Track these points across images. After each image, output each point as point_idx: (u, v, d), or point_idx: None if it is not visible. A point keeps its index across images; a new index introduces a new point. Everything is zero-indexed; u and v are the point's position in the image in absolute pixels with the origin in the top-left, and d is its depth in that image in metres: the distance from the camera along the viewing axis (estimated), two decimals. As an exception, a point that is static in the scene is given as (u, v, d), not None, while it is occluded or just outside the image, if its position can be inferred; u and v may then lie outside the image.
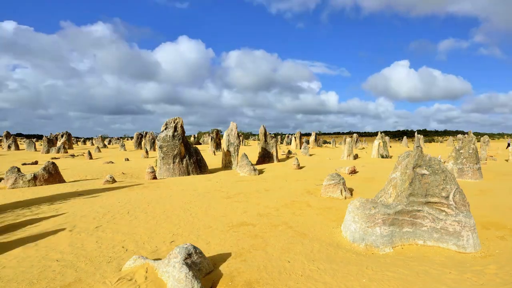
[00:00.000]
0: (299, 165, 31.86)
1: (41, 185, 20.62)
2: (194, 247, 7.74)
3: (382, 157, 45.99)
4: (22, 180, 19.96)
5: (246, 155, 28.82)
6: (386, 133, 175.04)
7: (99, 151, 58.18)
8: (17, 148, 60.85)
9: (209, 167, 31.12)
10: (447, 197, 10.20)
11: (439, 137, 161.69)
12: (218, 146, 60.99)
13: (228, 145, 32.95)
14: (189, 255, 7.41)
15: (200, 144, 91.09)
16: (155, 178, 24.63)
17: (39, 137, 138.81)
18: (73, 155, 48.72)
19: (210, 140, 60.89)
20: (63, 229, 11.14)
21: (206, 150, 57.14)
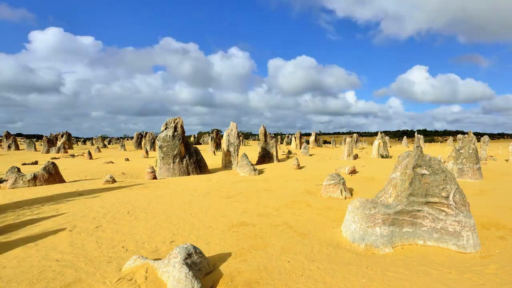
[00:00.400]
0: (299, 165, 31.84)
1: (41, 185, 20.62)
2: (194, 247, 7.74)
3: (382, 157, 45.98)
4: (22, 180, 19.95)
5: (246, 155, 28.81)
6: (386, 133, 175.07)
7: (99, 151, 58.24)
8: (17, 148, 60.95)
9: (209, 167, 31.11)
10: (447, 197, 10.20)
11: (439, 137, 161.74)
12: (218, 146, 61.07)
13: (228, 145, 32.95)
14: (189, 255, 7.42)
15: (200, 144, 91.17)
16: (155, 178, 24.62)
17: (39, 137, 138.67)
18: (73, 155, 48.78)
19: (210, 140, 60.93)
20: (63, 229, 11.15)
21: (206, 150, 57.15)
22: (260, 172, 28.82)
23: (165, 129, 27.33)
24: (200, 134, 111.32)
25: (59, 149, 54.19)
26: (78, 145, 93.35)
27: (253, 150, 56.61)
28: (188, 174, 27.08)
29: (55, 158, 42.38)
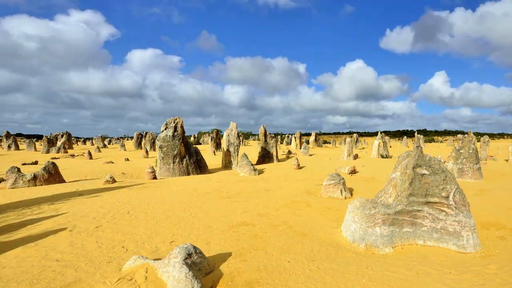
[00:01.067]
0: (299, 165, 31.81)
1: (41, 185, 20.61)
2: (194, 247, 7.74)
3: (382, 157, 45.92)
4: (22, 180, 19.94)
5: (246, 155, 28.78)
6: (386, 133, 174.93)
7: (99, 151, 58.10)
8: (17, 148, 60.78)
9: (209, 167, 31.10)
10: (447, 197, 10.20)
11: (439, 137, 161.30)
12: (218, 146, 60.88)
13: (228, 145, 32.93)
14: (189, 255, 7.41)
15: (200, 144, 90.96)
16: (155, 178, 24.60)
17: (39, 137, 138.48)
18: (73, 155, 48.68)
19: (210, 140, 60.79)
20: (63, 229, 11.14)
21: (206, 150, 56.98)
22: (260, 172, 28.81)
23: (165, 129, 27.30)
24: (200, 134, 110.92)
25: (59, 149, 54.09)
26: (78, 145, 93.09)
27: (253, 150, 56.54)
28: (188, 174, 27.08)
29: (55, 158, 42.24)
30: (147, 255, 8.92)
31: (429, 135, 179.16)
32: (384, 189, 12.07)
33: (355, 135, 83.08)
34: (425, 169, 10.71)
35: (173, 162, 26.42)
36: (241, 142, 57.74)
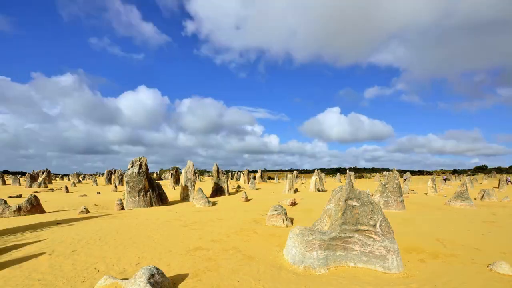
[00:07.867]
0: (247, 197, 31.79)
1: (25, 215, 20.18)
2: (157, 268, 7.69)
3: (319, 191, 46.23)
4: (8, 210, 19.59)
5: (201, 189, 28.68)
6: (322, 170, 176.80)
7: (75, 186, 57.06)
8: (3, 183, 59.44)
9: (170, 200, 30.90)
10: (374, 225, 10.37)
11: (367, 174, 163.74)
12: (177, 181, 60.48)
13: (186, 181, 32.85)
14: (152, 275, 7.36)
15: (162, 179, 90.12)
16: (123, 209, 24.28)
17: (23, 174, 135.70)
18: (52, 189, 47.82)
19: (170, 176, 60.45)
20: (44, 253, 10.90)
21: (166, 185, 56.41)
22: (214, 204, 28.67)
23: (132, 166, 27.14)
24: (162, 171, 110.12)
25: (40, 184, 53.04)
26: (56, 180, 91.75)
27: (207, 185, 56.40)
28: (152, 205, 26.78)
29: (37, 192, 41.42)
30: (116, 275, 8.78)
31: (359, 171, 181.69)
32: (320, 218, 12.17)
33: (295, 172, 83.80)
34: (356, 201, 10.88)
35: (138, 195, 26.18)
36: (197, 178, 57.60)
